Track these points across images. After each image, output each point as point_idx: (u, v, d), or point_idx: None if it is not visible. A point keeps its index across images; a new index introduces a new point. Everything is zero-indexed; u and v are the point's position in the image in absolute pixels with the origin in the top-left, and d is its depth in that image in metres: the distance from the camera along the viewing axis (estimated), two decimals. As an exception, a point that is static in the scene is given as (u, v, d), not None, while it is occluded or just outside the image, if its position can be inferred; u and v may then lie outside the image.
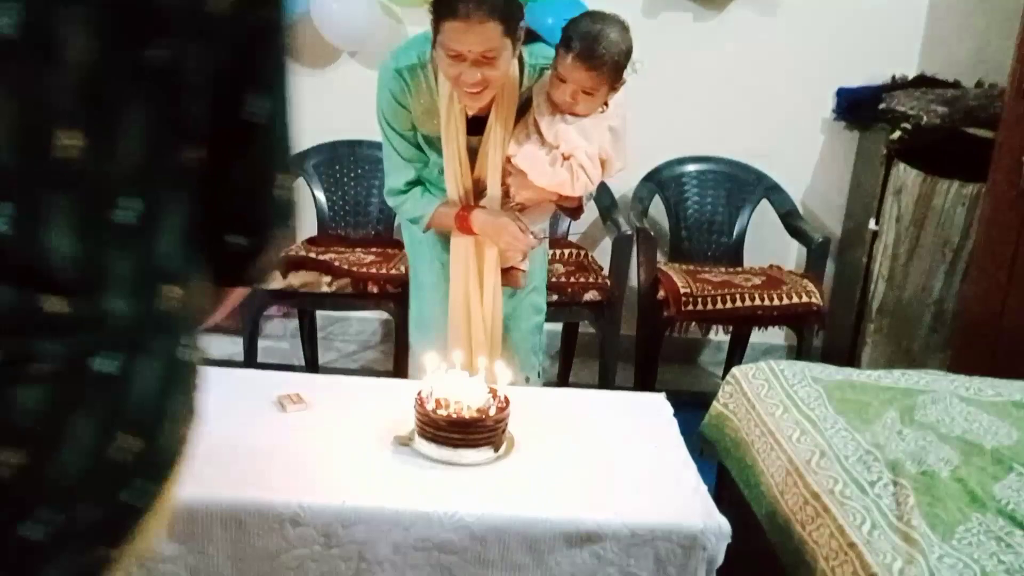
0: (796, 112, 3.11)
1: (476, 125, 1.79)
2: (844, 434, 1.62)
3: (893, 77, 3.01)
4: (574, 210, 1.96)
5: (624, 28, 1.70)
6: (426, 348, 1.92)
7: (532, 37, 1.79)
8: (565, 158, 1.74)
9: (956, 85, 2.96)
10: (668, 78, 3.02)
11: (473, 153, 1.83)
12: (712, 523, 1.34)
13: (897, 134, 2.80)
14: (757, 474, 1.64)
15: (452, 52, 1.61)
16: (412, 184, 1.90)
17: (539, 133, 1.76)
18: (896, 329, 2.94)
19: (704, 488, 1.45)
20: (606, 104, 1.75)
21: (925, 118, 2.73)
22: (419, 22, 1.80)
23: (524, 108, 1.81)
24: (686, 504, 1.40)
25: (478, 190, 1.86)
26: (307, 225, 3.10)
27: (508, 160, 1.80)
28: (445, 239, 1.94)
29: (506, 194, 1.84)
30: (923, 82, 2.96)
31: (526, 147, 1.77)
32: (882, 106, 2.88)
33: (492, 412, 1.48)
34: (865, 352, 2.98)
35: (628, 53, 1.70)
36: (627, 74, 1.72)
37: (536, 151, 1.76)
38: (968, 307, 2.60)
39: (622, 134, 1.80)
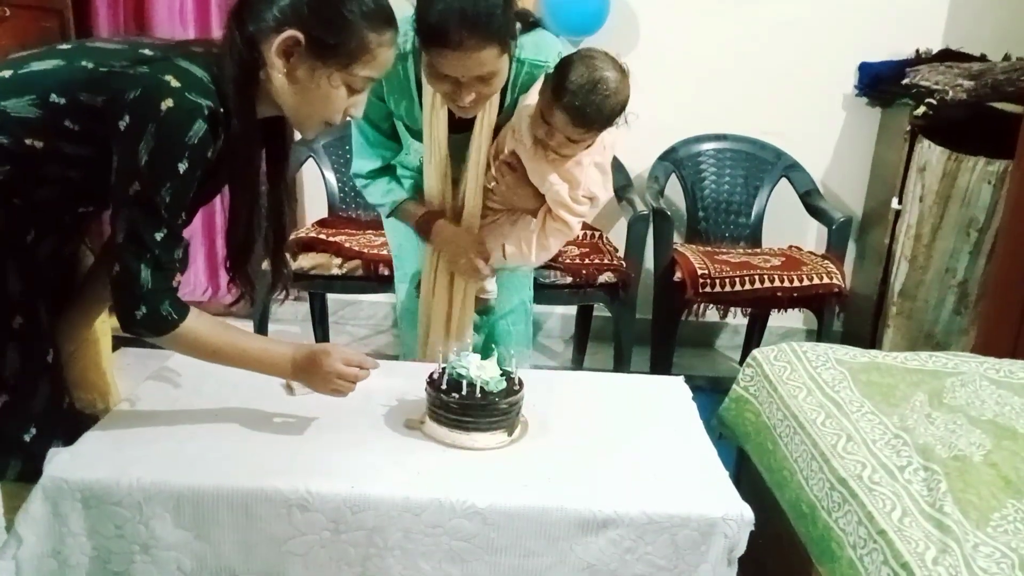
0: (816, 88, 3.04)
1: (458, 120, 1.66)
2: (871, 417, 1.56)
3: (917, 51, 2.93)
4: None
5: (622, 76, 1.53)
6: (413, 339, 1.87)
7: (527, 24, 1.63)
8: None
9: (982, 59, 2.88)
10: (685, 53, 2.96)
11: (455, 150, 1.71)
12: (734, 510, 1.29)
13: (921, 110, 2.73)
14: (780, 459, 1.59)
15: (444, 75, 1.47)
16: (377, 172, 1.79)
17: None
18: (919, 311, 2.88)
19: (725, 473, 1.40)
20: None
21: (950, 93, 2.65)
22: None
23: (510, 112, 1.69)
24: (706, 490, 1.35)
25: (457, 191, 1.76)
26: (317, 207, 3.07)
27: (497, 159, 1.69)
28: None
29: (489, 192, 1.74)
30: (948, 56, 2.89)
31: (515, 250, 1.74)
32: (905, 81, 2.81)
33: (505, 395, 1.43)
34: (887, 335, 2.92)
35: (623, 105, 1.54)
36: (618, 124, 1.57)
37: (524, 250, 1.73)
38: (994, 288, 2.53)
39: (607, 167, 1.68)
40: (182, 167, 1.17)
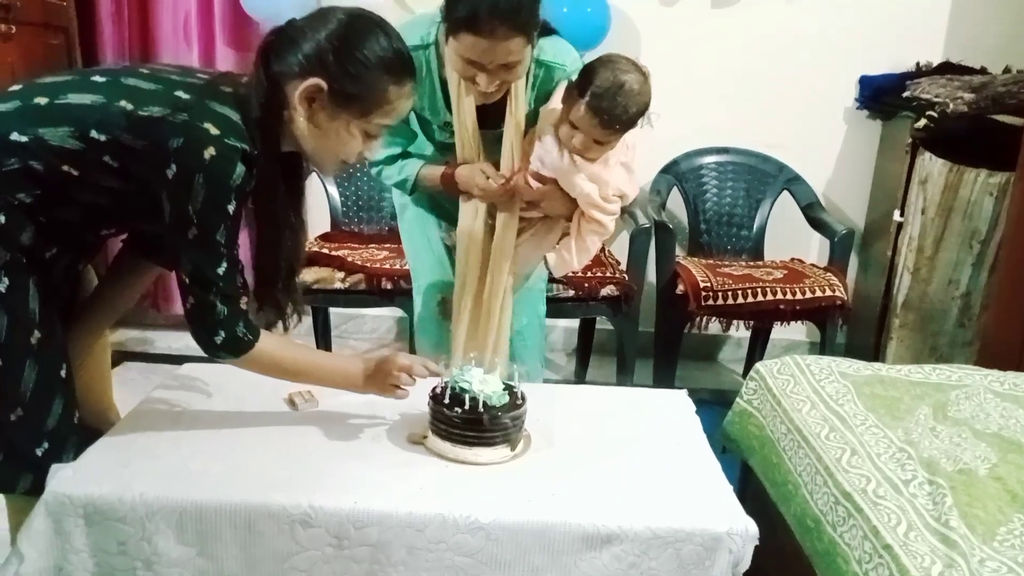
0: (817, 101, 3.05)
1: (484, 116, 1.71)
2: (875, 431, 1.56)
3: (917, 64, 2.94)
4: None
5: (644, 79, 1.60)
6: (430, 350, 1.88)
7: (545, 30, 1.68)
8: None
9: (983, 71, 2.88)
10: (686, 67, 2.97)
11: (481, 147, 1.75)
12: (738, 524, 1.29)
13: (922, 122, 2.74)
14: (784, 473, 1.58)
15: (471, 61, 1.52)
16: (392, 158, 1.83)
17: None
18: (922, 324, 2.87)
19: (729, 488, 1.39)
20: None
21: (951, 105, 2.66)
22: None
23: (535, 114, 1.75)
24: (710, 504, 1.34)
25: None
26: (320, 221, 3.08)
27: (534, 172, 1.73)
28: (437, 214, 1.89)
29: (530, 203, 1.77)
30: (948, 69, 2.90)
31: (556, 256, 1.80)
32: (906, 94, 2.81)
33: (508, 410, 1.43)
34: (890, 347, 2.91)
35: (646, 107, 1.61)
36: (641, 124, 1.64)
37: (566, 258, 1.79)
38: (997, 300, 2.53)
39: (632, 165, 1.74)
40: (231, 207, 1.26)
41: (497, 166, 1.76)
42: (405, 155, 1.84)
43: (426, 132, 1.82)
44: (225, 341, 1.33)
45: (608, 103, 1.56)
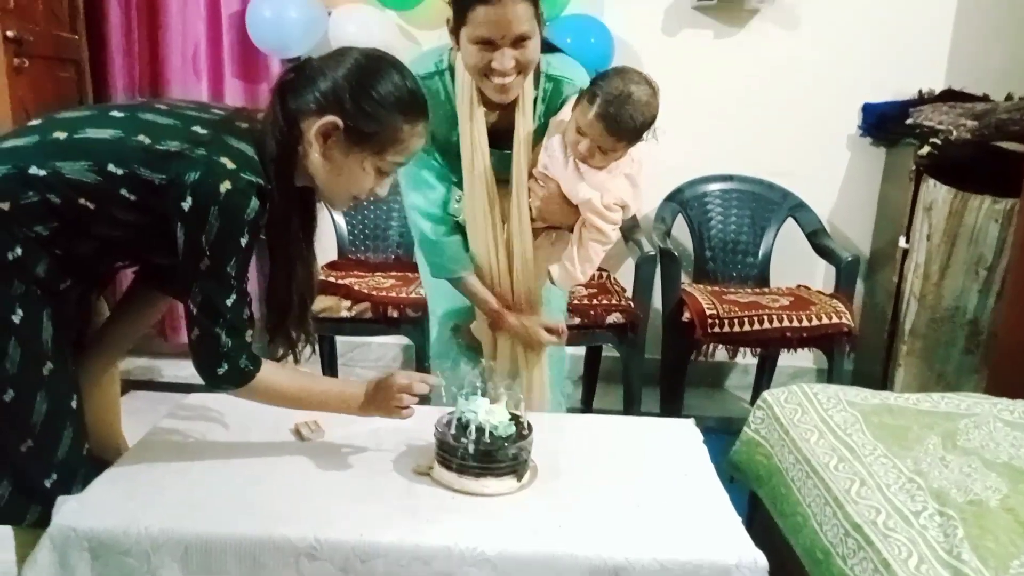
0: (821, 129, 3.06)
1: (491, 136, 1.73)
2: (884, 461, 1.55)
3: (920, 91, 2.96)
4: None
5: (653, 93, 1.64)
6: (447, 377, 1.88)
7: (550, 48, 1.74)
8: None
9: (985, 99, 2.90)
10: (690, 96, 2.99)
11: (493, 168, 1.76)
12: (747, 556, 1.27)
13: (926, 149, 2.75)
14: (793, 504, 1.57)
15: (483, 39, 1.56)
16: (446, 224, 1.81)
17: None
18: (929, 351, 2.86)
19: (737, 519, 1.38)
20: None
21: (954, 133, 2.67)
22: (437, 44, 1.76)
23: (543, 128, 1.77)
24: (719, 536, 1.33)
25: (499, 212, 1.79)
26: (326, 250, 3.09)
27: (539, 172, 1.76)
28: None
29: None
30: (951, 96, 2.91)
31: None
32: (909, 121, 2.82)
33: (515, 440, 1.42)
34: (898, 375, 2.90)
35: (652, 120, 1.65)
36: (647, 137, 1.67)
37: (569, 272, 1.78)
38: (1004, 327, 2.51)
39: (638, 180, 1.76)
40: (243, 240, 1.28)
41: (506, 182, 1.77)
42: (459, 226, 1.84)
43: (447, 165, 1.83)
44: (227, 373, 1.34)
45: (616, 110, 1.59)
